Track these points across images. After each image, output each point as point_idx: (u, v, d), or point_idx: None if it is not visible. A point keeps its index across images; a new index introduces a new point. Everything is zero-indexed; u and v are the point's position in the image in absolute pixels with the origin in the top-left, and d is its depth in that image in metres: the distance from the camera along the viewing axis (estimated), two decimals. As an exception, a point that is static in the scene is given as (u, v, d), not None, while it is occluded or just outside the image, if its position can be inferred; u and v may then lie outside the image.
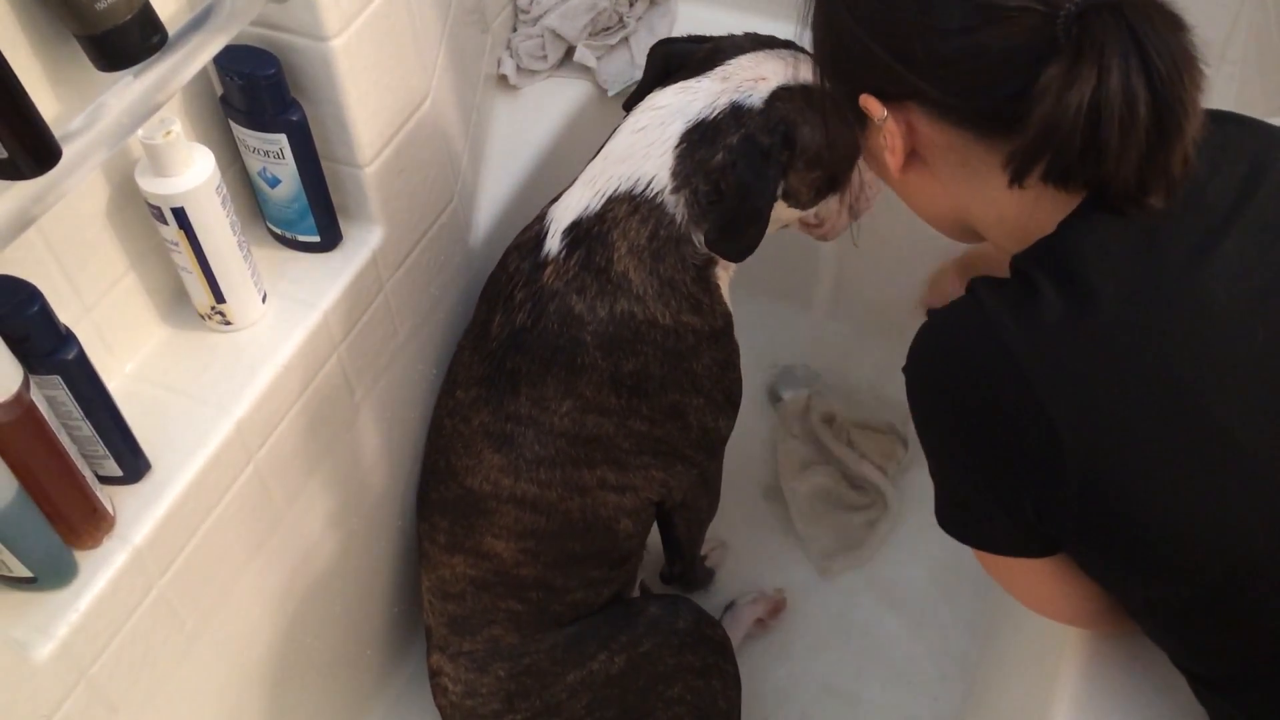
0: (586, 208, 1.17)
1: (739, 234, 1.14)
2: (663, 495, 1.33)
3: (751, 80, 1.13)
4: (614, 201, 1.15)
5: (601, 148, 1.21)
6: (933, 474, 0.91)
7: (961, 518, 0.91)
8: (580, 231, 1.17)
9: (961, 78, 0.79)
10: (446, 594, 1.32)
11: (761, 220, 1.13)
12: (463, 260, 1.37)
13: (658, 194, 1.14)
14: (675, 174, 1.13)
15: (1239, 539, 0.78)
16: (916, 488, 1.74)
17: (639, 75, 1.61)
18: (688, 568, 1.59)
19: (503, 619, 1.31)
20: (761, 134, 1.12)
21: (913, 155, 0.88)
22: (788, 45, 1.18)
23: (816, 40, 0.91)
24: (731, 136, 1.12)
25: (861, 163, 1.23)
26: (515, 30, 1.61)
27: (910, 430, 1.75)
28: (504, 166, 1.50)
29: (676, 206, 1.14)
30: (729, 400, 1.31)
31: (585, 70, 1.62)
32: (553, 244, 1.18)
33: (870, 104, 0.86)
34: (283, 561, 1.20)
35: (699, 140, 1.13)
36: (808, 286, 1.85)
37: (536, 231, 1.21)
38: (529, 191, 1.51)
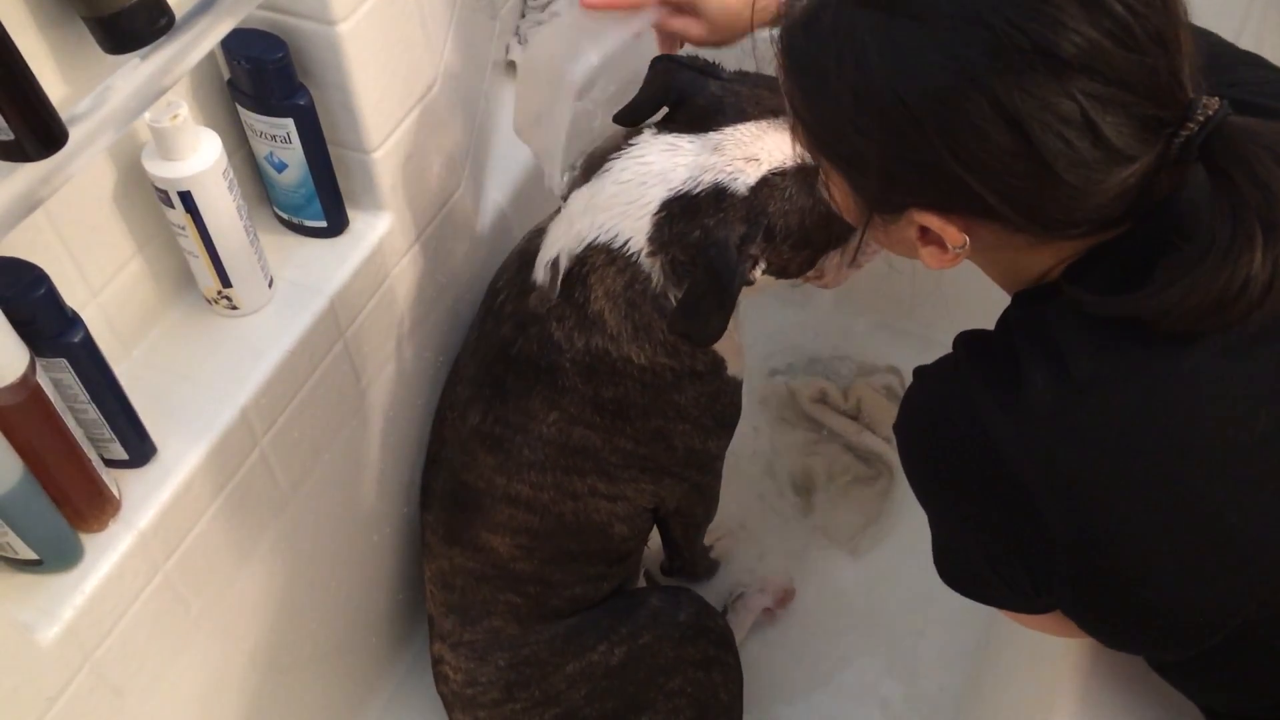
0: (566, 247, 1.14)
1: (702, 321, 1.08)
2: (655, 504, 1.32)
3: (742, 160, 1.07)
4: (593, 249, 1.12)
5: (589, 181, 1.15)
6: (930, 526, 0.89)
7: (959, 574, 0.89)
8: (559, 269, 1.14)
9: (1060, 211, 0.72)
10: (447, 584, 1.33)
11: (724, 310, 1.07)
12: (469, 247, 1.37)
13: (634, 254, 1.10)
14: (652, 240, 1.09)
15: (1234, 614, 0.77)
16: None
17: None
18: (687, 564, 1.60)
19: (502, 610, 1.31)
20: (738, 224, 1.06)
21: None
22: None
23: (856, 144, 0.76)
24: (710, 218, 1.06)
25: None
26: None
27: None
28: (511, 154, 1.49)
29: (653, 269, 1.11)
30: (720, 424, 1.28)
31: (593, 57, 1.61)
32: (539, 271, 1.17)
33: (943, 225, 0.75)
34: (288, 546, 1.20)
35: (679, 213, 1.08)
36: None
37: (536, 246, 1.19)
38: (536, 179, 1.50)
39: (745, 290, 1.11)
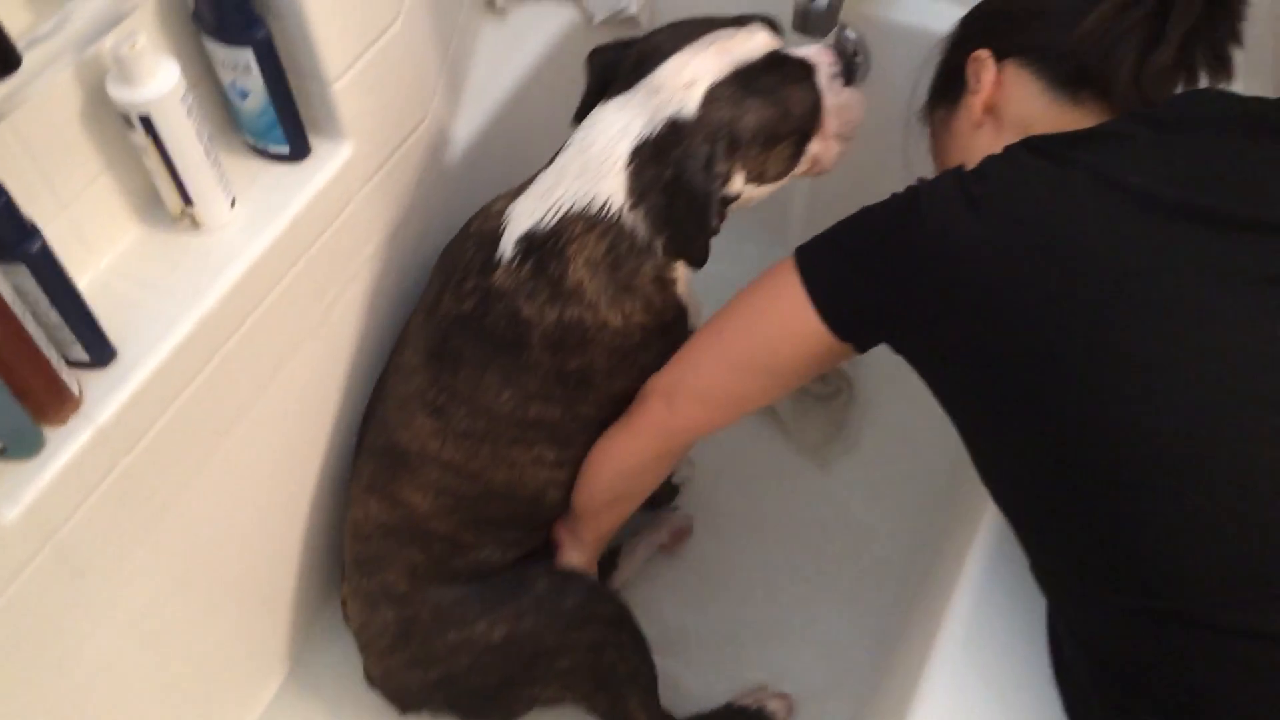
0: (540, 221, 1.18)
1: (690, 242, 1.16)
2: None
3: (682, 88, 1.13)
4: (568, 220, 1.16)
5: (554, 158, 1.22)
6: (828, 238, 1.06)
7: (820, 252, 1.05)
8: (533, 243, 1.18)
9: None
10: (357, 533, 1.36)
11: (706, 229, 1.14)
12: (437, 178, 1.43)
13: (615, 212, 1.16)
14: (631, 191, 1.15)
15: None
16: (879, 367, 1.78)
17: (626, 3, 1.66)
18: None
19: (399, 566, 1.32)
20: (702, 145, 1.12)
21: (987, 111, 1.11)
22: (706, 23, 1.18)
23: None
24: (675, 151, 1.13)
25: (830, 94, 1.20)
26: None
27: None
28: (485, 89, 1.55)
29: (635, 222, 1.16)
30: None
31: (573, -3, 1.66)
32: (506, 248, 1.20)
33: (982, 56, 1.11)
34: (249, 449, 1.28)
35: (649, 159, 1.14)
36: (782, 219, 1.87)
37: (495, 226, 1.22)
38: (510, 115, 1.56)
39: (740, 202, 1.20)
